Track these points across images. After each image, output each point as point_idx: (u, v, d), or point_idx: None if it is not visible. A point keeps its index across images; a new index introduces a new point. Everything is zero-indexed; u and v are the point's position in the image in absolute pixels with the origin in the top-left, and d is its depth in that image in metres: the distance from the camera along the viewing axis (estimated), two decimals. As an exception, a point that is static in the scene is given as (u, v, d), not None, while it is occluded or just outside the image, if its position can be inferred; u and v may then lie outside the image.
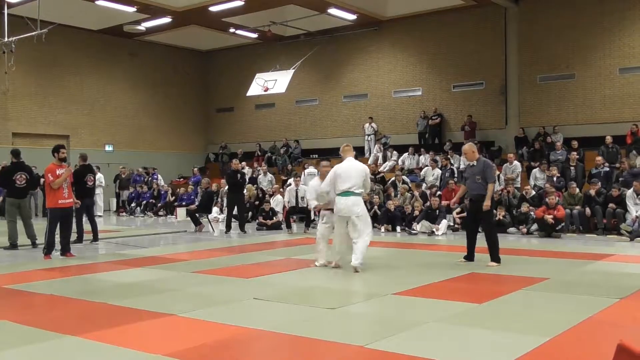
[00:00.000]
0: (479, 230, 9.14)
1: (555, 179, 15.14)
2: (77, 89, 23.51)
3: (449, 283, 7.48)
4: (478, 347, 4.71)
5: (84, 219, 12.41)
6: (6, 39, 18.96)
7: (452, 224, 14.52)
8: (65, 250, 10.19)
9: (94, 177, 12.76)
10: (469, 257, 9.05)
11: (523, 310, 5.97)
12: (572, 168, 15.69)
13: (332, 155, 22.18)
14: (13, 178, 11.40)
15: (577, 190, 14.24)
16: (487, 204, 8.66)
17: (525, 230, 13.59)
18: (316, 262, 8.84)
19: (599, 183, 14.15)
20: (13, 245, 11.30)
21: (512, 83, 19.99)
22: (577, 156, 16.06)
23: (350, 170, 8.24)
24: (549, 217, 12.84)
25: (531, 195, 14.48)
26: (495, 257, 8.77)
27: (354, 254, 8.21)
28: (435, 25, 21.40)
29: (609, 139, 16.48)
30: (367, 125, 22.21)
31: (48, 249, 10.04)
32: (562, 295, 6.64)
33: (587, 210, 13.64)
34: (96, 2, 19.36)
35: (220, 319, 5.62)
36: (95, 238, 12.28)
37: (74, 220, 10.80)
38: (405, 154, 20.19)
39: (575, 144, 16.96)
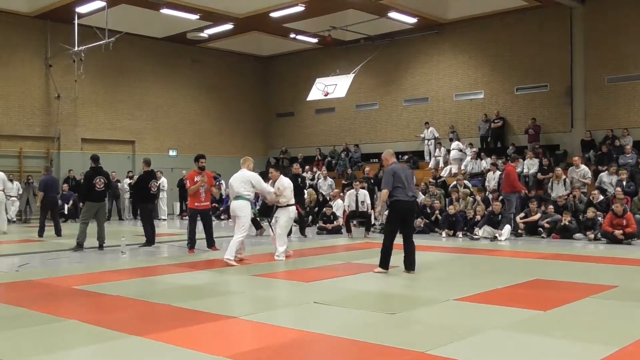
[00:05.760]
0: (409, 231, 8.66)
1: (624, 183, 14.58)
2: (142, 95, 24.20)
3: (512, 289, 7.31)
4: (542, 355, 4.58)
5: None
6: (76, 48, 19.80)
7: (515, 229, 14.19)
8: (210, 245, 11.54)
9: (157, 183, 13.08)
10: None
11: (590, 318, 5.77)
12: (643, 172, 15.09)
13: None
14: (93, 182, 11.94)
15: (648, 195, 13.69)
16: (377, 209, 9.04)
17: (592, 236, 13.13)
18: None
19: (672, 188, 13.56)
20: (79, 245, 11.76)
21: (578, 85, 19.38)
22: (649, 160, 15.43)
23: (235, 180, 9.81)
24: (618, 233, 12.37)
25: (599, 200, 14.00)
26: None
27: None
28: (497, 27, 20.98)
29: (682, 142, 15.77)
30: (425, 130, 21.96)
31: (191, 244, 11.28)
32: (632, 303, 6.39)
33: (659, 216, 13.10)
34: (161, 11, 19.90)
35: (281, 323, 5.67)
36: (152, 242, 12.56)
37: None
38: (468, 158, 19.85)
39: (646, 147, 16.32)
